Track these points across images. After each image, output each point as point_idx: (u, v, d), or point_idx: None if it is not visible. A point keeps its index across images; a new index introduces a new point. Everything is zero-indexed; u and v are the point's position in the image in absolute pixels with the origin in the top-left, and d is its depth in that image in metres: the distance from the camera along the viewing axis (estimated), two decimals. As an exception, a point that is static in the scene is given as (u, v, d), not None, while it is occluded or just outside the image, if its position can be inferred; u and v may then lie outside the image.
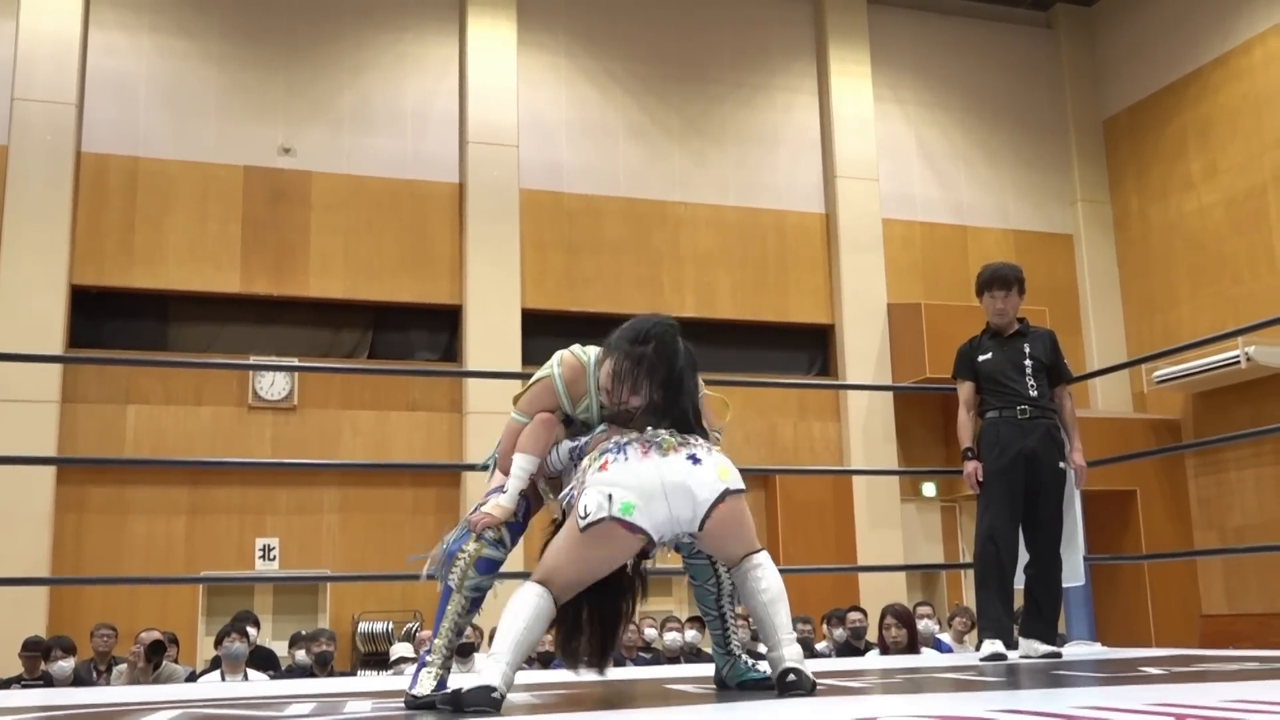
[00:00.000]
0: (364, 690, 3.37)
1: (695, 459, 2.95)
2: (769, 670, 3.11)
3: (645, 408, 3.06)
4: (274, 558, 11.45)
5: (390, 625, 11.20)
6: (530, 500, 3.22)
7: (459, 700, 2.72)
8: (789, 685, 2.92)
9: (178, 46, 11.97)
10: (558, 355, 3.27)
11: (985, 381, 5.00)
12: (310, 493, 11.57)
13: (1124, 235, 14.68)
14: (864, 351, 13.33)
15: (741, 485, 3.00)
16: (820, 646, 8.47)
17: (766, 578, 3.05)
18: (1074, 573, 5.03)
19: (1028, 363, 4.94)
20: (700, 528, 2.94)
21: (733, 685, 3.34)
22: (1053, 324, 13.44)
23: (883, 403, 13.16)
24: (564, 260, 12.70)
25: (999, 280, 5.03)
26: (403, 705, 2.88)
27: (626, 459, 2.92)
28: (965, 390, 5.10)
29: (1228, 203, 13.35)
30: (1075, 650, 5.26)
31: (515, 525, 3.14)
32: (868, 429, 13.09)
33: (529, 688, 3.58)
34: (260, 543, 11.45)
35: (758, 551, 3.07)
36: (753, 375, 12.62)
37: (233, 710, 2.87)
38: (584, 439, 3.19)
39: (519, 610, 2.82)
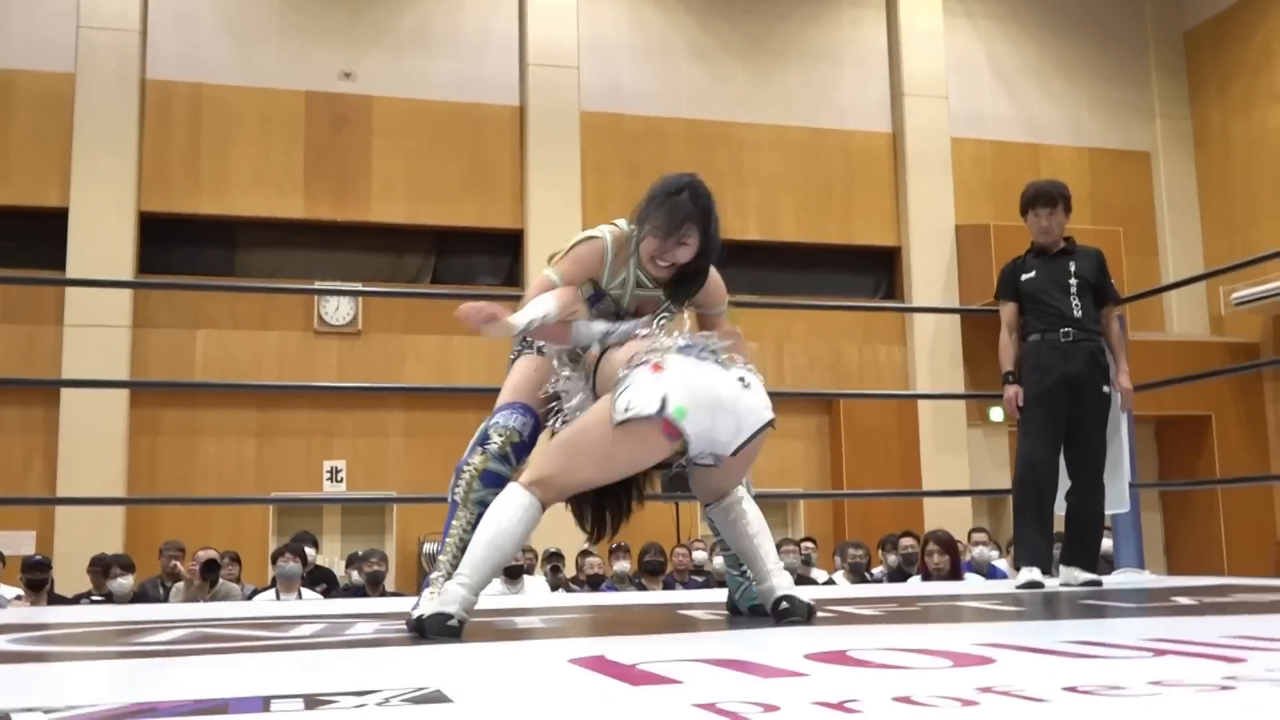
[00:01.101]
0: (376, 612, 3.28)
1: (745, 381, 2.76)
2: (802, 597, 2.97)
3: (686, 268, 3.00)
4: (341, 479, 11.53)
5: (455, 546, 11.23)
6: (538, 418, 3.06)
7: (420, 628, 2.63)
8: (784, 613, 2.82)
9: (238, -29, 11.85)
10: (603, 226, 3.15)
11: (1028, 302, 4.76)
12: (375, 416, 11.60)
13: (1204, 152, 14.08)
14: (931, 274, 12.99)
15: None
16: (876, 571, 8.33)
17: (751, 511, 2.96)
18: (1119, 499, 4.81)
19: (1072, 282, 4.69)
20: (733, 453, 2.77)
21: (744, 609, 3.22)
22: (1128, 245, 13.04)
23: (950, 326, 12.84)
24: (625, 183, 12.44)
25: (1043, 197, 4.75)
26: (404, 627, 2.78)
27: (683, 362, 2.73)
28: (1007, 311, 4.85)
29: (1314, 117, 12.73)
30: (1120, 578, 5.06)
31: (521, 444, 3.04)
32: (934, 353, 12.80)
33: (523, 611, 3.46)
34: (328, 465, 11.52)
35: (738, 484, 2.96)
36: (817, 298, 12.36)
37: (240, 630, 2.80)
38: (615, 325, 2.99)
39: (496, 520, 2.68)
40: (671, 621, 3.19)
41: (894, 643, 2.09)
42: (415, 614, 2.74)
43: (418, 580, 11.24)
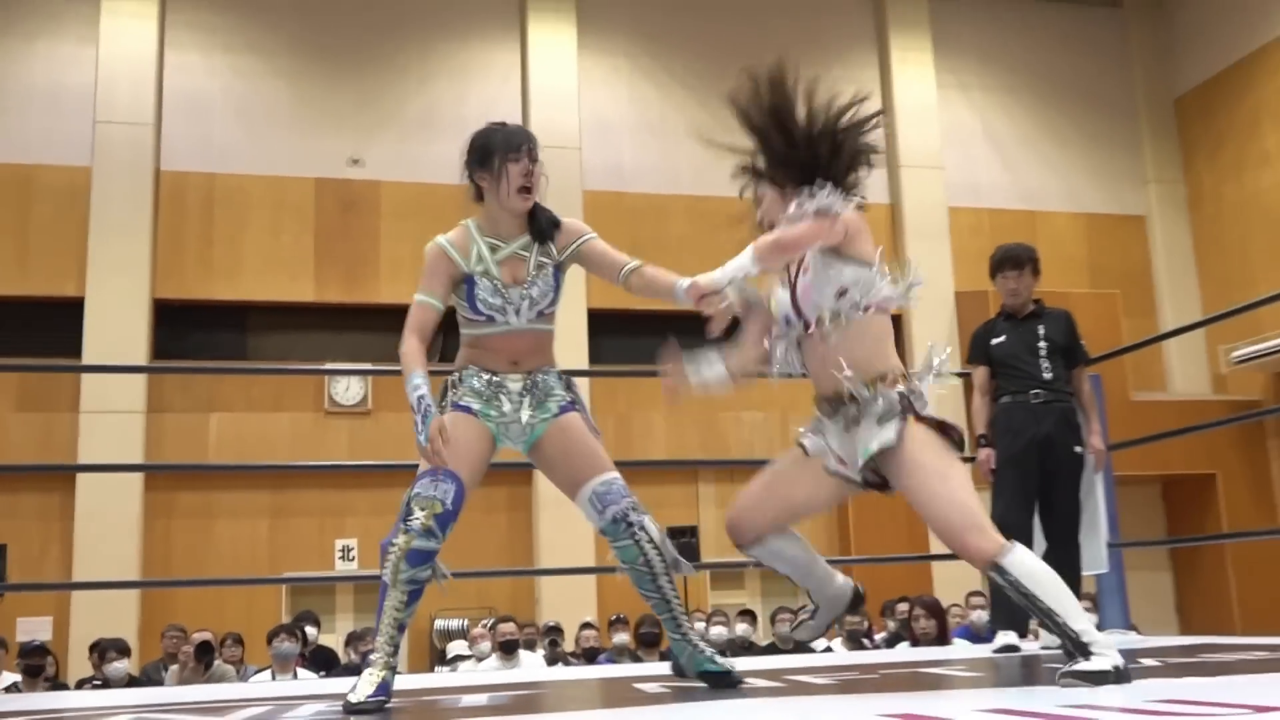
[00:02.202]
0: (330, 693, 3.22)
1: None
2: (729, 664, 2.93)
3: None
4: (353, 558, 11.47)
5: (465, 622, 11.14)
6: (464, 486, 2.96)
7: (354, 710, 2.61)
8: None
9: (249, 64, 12.07)
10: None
11: (999, 365, 4.72)
12: (387, 494, 11.50)
13: (1198, 215, 14.04)
14: (932, 340, 12.88)
15: None
16: (878, 637, 8.19)
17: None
18: (1096, 560, 4.71)
19: (1042, 344, 4.65)
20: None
21: (692, 675, 3.11)
22: (1127, 308, 12.97)
23: (952, 391, 12.72)
24: (629, 259, 12.50)
25: (1010, 260, 4.75)
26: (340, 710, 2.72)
27: None
28: (979, 375, 4.81)
29: (1305, 177, 12.69)
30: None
31: (445, 514, 2.89)
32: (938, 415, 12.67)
33: (480, 689, 3.39)
34: (340, 543, 11.47)
35: None
36: (820, 367, 12.27)
37: (183, 715, 2.75)
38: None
39: None
40: (621, 695, 3.11)
41: (806, 713, 2.03)
42: (351, 697, 2.69)
43: (430, 657, 11.15)
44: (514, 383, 3.04)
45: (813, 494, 2.88)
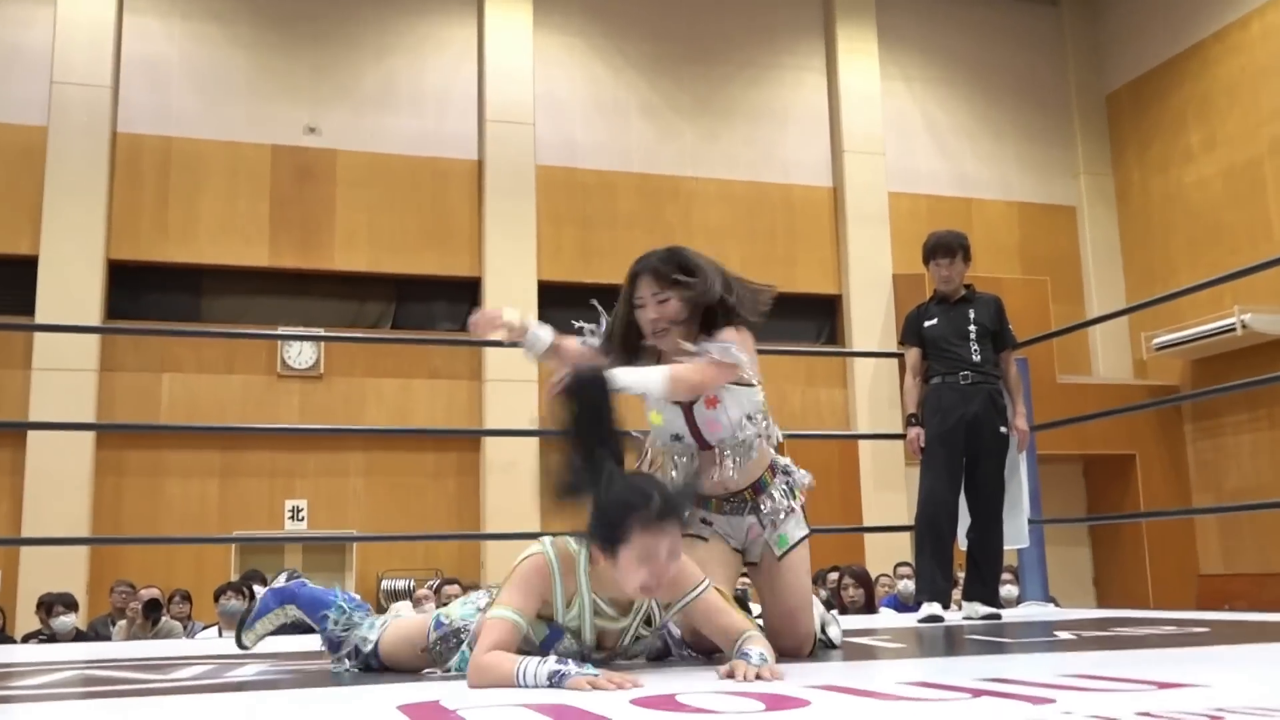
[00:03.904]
0: (273, 652, 3.16)
1: None
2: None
3: None
4: (303, 518, 11.35)
5: (412, 583, 11.06)
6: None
7: None
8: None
9: (208, 31, 11.80)
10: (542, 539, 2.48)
11: (930, 347, 4.74)
12: (337, 457, 11.43)
13: (1125, 207, 14.19)
14: (870, 320, 12.98)
15: None
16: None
17: None
18: (1017, 536, 4.75)
19: (972, 328, 4.67)
20: None
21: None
22: (1055, 294, 13.09)
23: (888, 369, 12.80)
24: (578, 234, 12.45)
25: (943, 248, 4.76)
26: (286, 670, 2.66)
27: None
28: (911, 356, 4.82)
29: (1226, 175, 12.85)
30: (1026, 611, 4.98)
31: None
32: (873, 395, 12.77)
33: None
34: (289, 504, 11.34)
35: None
36: (762, 344, 12.27)
37: (123, 673, 2.68)
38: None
39: None
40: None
41: (725, 686, 2.00)
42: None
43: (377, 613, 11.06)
44: None
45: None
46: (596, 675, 2.03)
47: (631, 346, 2.93)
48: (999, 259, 13.40)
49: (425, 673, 2.51)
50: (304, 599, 2.83)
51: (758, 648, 2.26)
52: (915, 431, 4.65)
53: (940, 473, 4.53)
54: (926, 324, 4.78)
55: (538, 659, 2.09)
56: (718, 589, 2.47)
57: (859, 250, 13.07)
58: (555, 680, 2.03)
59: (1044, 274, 13.34)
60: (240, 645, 2.92)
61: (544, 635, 2.36)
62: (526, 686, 2.04)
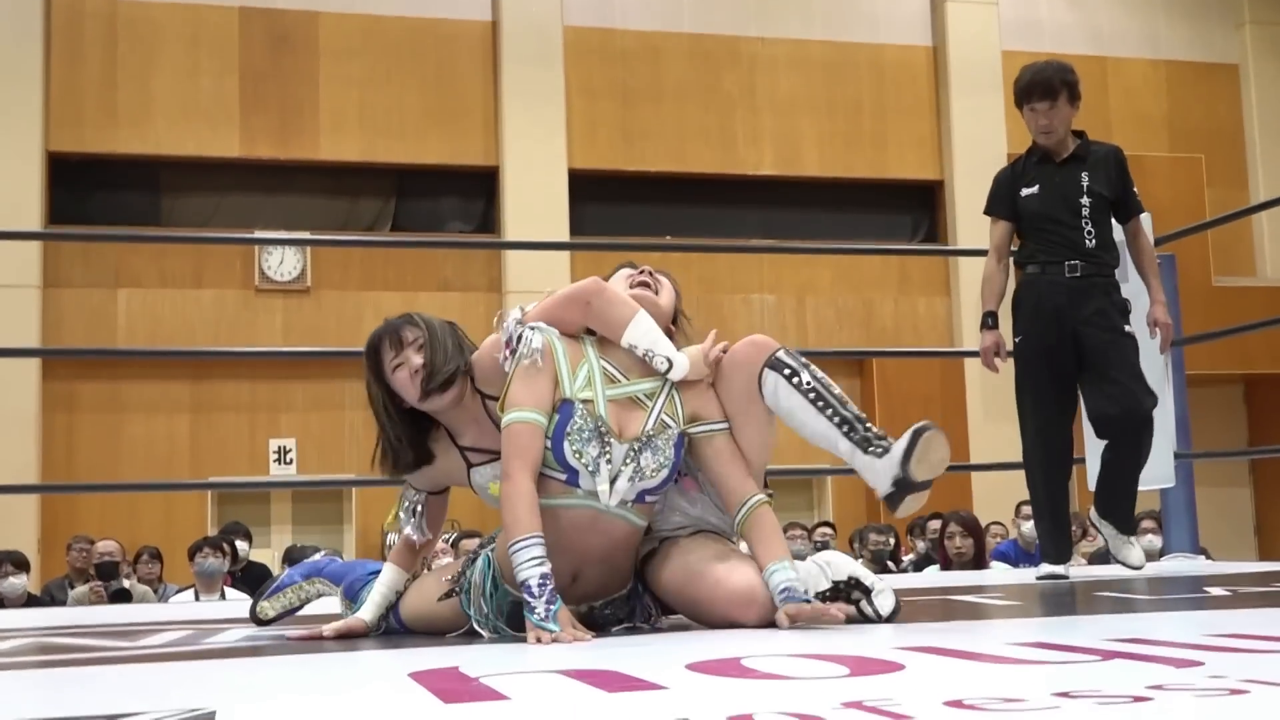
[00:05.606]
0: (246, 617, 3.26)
1: None
2: None
3: None
4: (291, 461, 11.56)
5: (422, 537, 11.25)
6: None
7: None
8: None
9: None
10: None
11: (1028, 225, 4.31)
12: (329, 387, 11.59)
13: (1302, 65, 13.91)
14: (978, 213, 12.65)
15: None
16: (906, 559, 8.30)
17: None
18: (1160, 473, 4.69)
19: (1084, 201, 4.18)
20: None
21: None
22: (1211, 175, 12.92)
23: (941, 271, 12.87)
24: (617, 111, 12.40)
25: (1040, 87, 4.18)
26: (272, 635, 2.75)
27: None
28: (998, 232, 4.41)
29: None
30: (1171, 566, 4.99)
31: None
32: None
33: None
34: (275, 444, 11.55)
35: None
36: (845, 242, 12.29)
37: (85, 640, 2.78)
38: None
39: None
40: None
41: (812, 648, 2.05)
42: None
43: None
44: None
45: None
46: (557, 630, 2.31)
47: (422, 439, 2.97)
48: (1142, 132, 13.21)
49: (449, 637, 2.65)
50: (331, 571, 3.08)
51: (798, 584, 2.50)
52: (992, 338, 4.30)
53: (1042, 396, 4.23)
54: (1024, 192, 4.29)
55: (534, 562, 2.41)
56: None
57: (965, 126, 12.93)
58: (525, 592, 2.38)
59: (1198, 150, 13.17)
60: (255, 619, 3.09)
61: (554, 424, 2.60)
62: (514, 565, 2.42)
